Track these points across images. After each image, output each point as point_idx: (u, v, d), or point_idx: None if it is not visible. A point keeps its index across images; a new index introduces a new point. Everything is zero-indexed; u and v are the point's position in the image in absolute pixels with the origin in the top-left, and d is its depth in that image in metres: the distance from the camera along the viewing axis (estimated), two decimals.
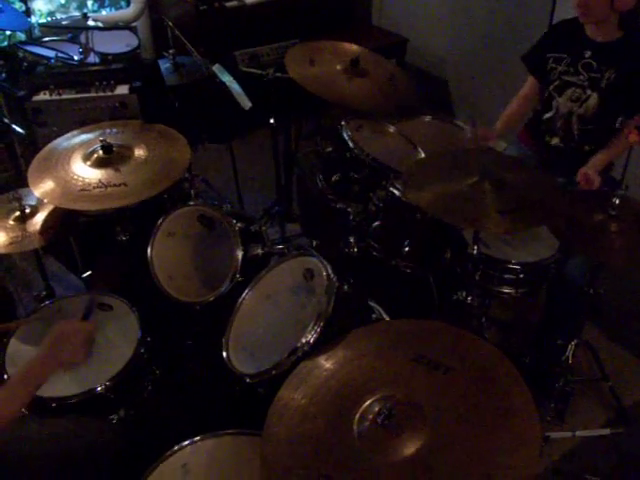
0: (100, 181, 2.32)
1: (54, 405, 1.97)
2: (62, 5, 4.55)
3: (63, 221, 2.46)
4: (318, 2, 4.73)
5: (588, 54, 2.64)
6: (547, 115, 2.82)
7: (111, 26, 4.22)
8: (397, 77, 2.95)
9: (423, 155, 2.73)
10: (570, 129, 2.76)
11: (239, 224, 2.35)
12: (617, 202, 2.19)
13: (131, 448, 1.96)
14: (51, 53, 3.60)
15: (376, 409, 1.50)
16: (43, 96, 3.38)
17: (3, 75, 3.52)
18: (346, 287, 1.94)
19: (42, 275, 2.79)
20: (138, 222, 2.58)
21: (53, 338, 1.77)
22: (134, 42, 3.91)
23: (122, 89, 3.42)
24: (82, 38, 3.71)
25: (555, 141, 2.82)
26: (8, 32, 4.01)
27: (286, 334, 1.93)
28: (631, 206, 2.25)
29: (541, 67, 2.81)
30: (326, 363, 1.71)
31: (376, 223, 2.58)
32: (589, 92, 2.66)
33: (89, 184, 2.31)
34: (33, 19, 4.27)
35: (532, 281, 2.57)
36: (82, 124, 2.76)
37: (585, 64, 2.65)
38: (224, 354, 1.98)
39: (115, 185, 2.31)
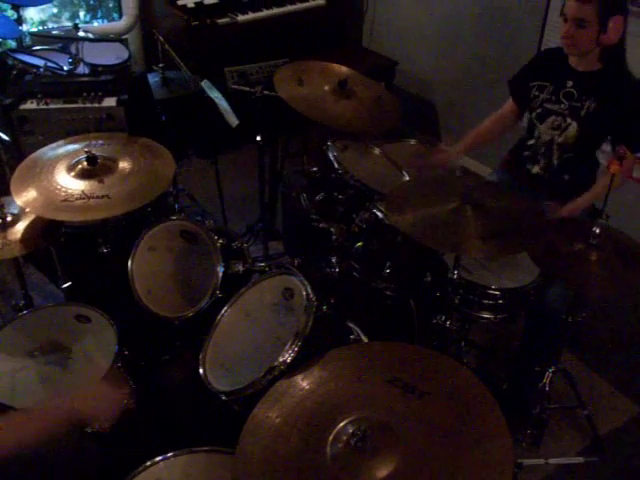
0: (83, 192, 2.31)
1: None
2: (54, 15, 4.56)
3: (45, 231, 2.44)
4: (309, 23, 4.76)
5: (570, 84, 2.67)
6: (530, 142, 2.85)
7: (102, 38, 4.23)
8: (384, 99, 2.98)
9: (407, 178, 2.75)
10: (550, 157, 2.79)
11: (221, 240, 2.35)
12: (597, 231, 2.20)
13: (104, 462, 1.95)
14: (40, 62, 3.58)
15: (350, 431, 1.49)
16: (30, 105, 3.35)
17: None
18: (325, 307, 1.94)
19: (21, 284, 2.77)
20: (120, 235, 2.57)
21: None
22: (124, 55, 3.90)
23: (110, 101, 3.41)
24: (72, 48, 3.70)
25: (536, 170, 2.85)
26: None
27: (264, 352, 1.93)
28: (611, 236, 2.27)
29: (523, 94, 2.84)
30: (302, 383, 1.70)
31: (358, 244, 2.59)
32: (569, 120, 2.68)
33: (72, 195, 2.30)
34: (24, 27, 4.27)
35: (511, 307, 2.57)
36: (68, 134, 2.74)
37: (566, 93, 2.68)
38: (200, 370, 1.97)
39: (98, 197, 2.29)
